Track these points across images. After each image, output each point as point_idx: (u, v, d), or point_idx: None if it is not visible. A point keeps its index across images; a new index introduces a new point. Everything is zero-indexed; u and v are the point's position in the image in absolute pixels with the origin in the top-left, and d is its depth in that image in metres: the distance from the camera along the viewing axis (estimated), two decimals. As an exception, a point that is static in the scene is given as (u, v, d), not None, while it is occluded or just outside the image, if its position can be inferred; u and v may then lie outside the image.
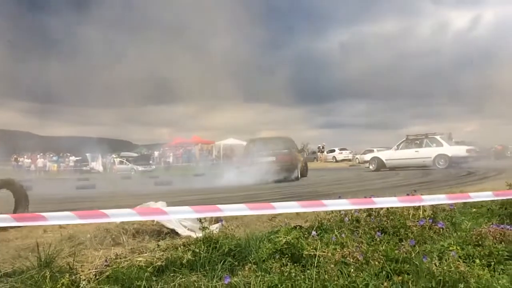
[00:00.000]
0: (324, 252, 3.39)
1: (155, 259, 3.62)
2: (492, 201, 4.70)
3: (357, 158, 36.36)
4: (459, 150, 20.99)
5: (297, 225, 4.52)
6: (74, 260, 3.64)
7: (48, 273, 3.21)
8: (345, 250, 3.35)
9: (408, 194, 4.51)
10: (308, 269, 3.16)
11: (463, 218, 4.68)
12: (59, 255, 3.88)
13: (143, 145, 58.37)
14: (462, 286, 2.76)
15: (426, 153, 20.94)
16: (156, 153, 46.37)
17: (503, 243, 3.47)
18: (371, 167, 22.40)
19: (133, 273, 3.22)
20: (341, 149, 48.15)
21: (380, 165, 22.13)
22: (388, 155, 22.35)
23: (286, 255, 3.41)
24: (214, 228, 4.26)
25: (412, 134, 22.90)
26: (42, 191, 16.02)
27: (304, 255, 3.41)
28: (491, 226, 3.75)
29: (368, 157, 23.96)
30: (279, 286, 2.93)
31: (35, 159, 39.24)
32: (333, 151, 47.70)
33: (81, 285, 3.09)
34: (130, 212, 3.41)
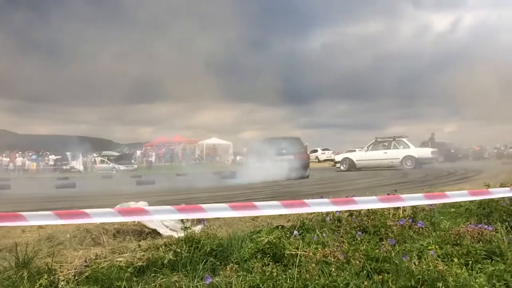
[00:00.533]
0: (305, 251, 3.41)
1: (135, 259, 3.59)
2: (471, 201, 4.79)
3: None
4: (425, 152, 22.68)
5: (279, 225, 4.53)
6: (52, 260, 3.58)
7: (26, 273, 3.16)
8: (326, 250, 3.37)
9: (388, 194, 4.56)
10: (289, 268, 3.17)
11: (442, 217, 4.76)
12: (38, 255, 3.81)
13: (125, 144, 57.76)
14: (441, 284, 2.80)
15: (394, 155, 22.25)
16: (138, 152, 45.98)
17: (480, 242, 3.53)
18: (342, 167, 23.34)
19: (113, 274, 3.19)
20: (323, 149, 48.47)
21: (351, 166, 23.13)
22: (358, 156, 23.43)
23: (268, 255, 3.42)
24: (197, 228, 4.24)
25: (381, 137, 24.08)
26: (21, 190, 15.75)
27: (286, 255, 3.42)
28: (469, 225, 3.81)
29: (339, 157, 24.86)
30: (261, 286, 2.94)
31: (13, 158, 38.51)
32: (315, 151, 47.96)
33: (60, 286, 3.04)
34: (112, 212, 3.37)
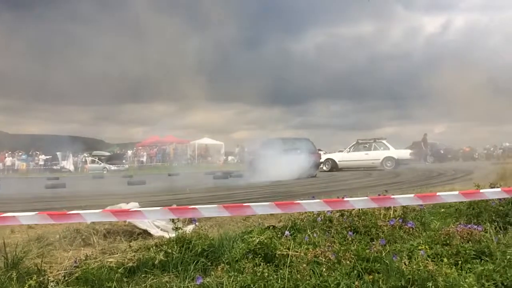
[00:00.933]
0: (296, 252, 3.41)
1: (126, 260, 3.57)
2: (460, 201, 4.83)
3: None
4: (404, 153, 23.96)
5: (270, 225, 4.53)
6: (42, 261, 3.55)
7: (15, 274, 3.12)
8: (317, 250, 3.38)
9: (379, 195, 4.58)
10: (281, 269, 3.17)
11: (432, 218, 4.80)
12: (27, 256, 3.78)
13: (116, 144, 57.43)
14: (431, 284, 2.83)
15: (375, 156, 23.31)
16: (129, 152, 45.72)
17: (470, 242, 3.56)
18: (324, 168, 23.96)
19: (104, 274, 3.17)
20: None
21: (333, 166, 23.96)
22: (340, 157, 24.27)
23: (259, 255, 3.42)
24: (188, 229, 4.23)
25: (361, 139, 25.13)
26: (10, 191, 15.60)
27: (277, 255, 3.42)
28: (459, 225, 3.85)
29: (322, 158, 24.97)
30: (252, 286, 2.94)
31: (3, 158, 38.11)
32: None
33: (49, 287, 3.02)
34: (105, 214, 3.34)
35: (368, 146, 24.05)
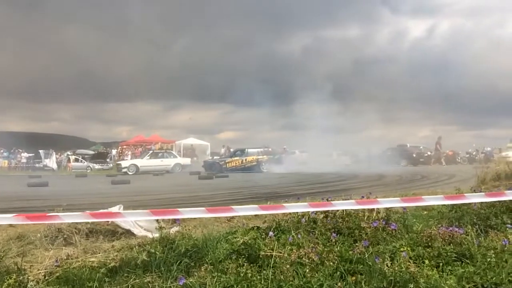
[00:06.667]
0: (280, 252, 3.42)
1: (108, 259, 3.54)
2: (443, 204, 4.89)
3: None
4: (186, 160, 31.89)
5: (255, 226, 4.53)
6: (22, 260, 3.49)
7: (-7, 273, 3.07)
8: (301, 251, 3.38)
9: (363, 197, 4.62)
10: (264, 269, 3.18)
11: (414, 220, 4.84)
12: (7, 254, 3.72)
13: (100, 143, 56.86)
14: (412, 286, 2.86)
15: (167, 162, 29.68)
16: (113, 151, 45.21)
17: (451, 244, 3.61)
18: (129, 172, 27.85)
19: (85, 274, 3.13)
20: (301, 152, 48.67)
21: (137, 170, 28.37)
22: (141, 163, 29.20)
23: (243, 256, 3.42)
24: (172, 230, 4.20)
25: (157, 150, 33.88)
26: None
27: (261, 256, 3.42)
28: (441, 228, 3.89)
29: (126, 163, 29.60)
30: (235, 286, 2.93)
31: (-17, 155, 37.46)
32: (293, 153, 48.14)
33: (29, 286, 2.97)
34: (84, 215, 3.31)
35: (161, 155, 30.83)
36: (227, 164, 28.60)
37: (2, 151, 39.15)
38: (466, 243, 3.63)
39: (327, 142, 33.35)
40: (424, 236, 3.76)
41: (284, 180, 18.52)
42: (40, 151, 37.17)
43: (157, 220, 4.08)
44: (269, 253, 3.41)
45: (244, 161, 29.13)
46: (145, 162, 29.18)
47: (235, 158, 29.48)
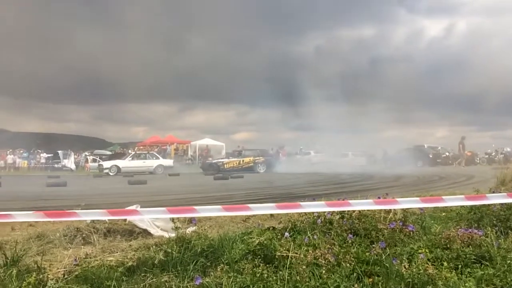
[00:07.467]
0: (296, 253, 3.41)
1: (126, 259, 3.57)
2: (462, 205, 4.82)
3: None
4: (168, 162, 31.81)
5: (270, 227, 4.53)
6: (42, 259, 3.55)
7: (14, 271, 3.12)
8: (317, 252, 3.37)
9: (379, 197, 4.58)
10: (280, 270, 3.17)
11: (432, 221, 4.78)
12: (27, 253, 3.79)
13: (117, 143, 57.44)
14: (430, 288, 2.82)
15: (149, 163, 29.88)
16: (130, 152, 45.65)
17: (470, 246, 3.55)
18: (110, 173, 28.23)
19: (103, 273, 3.17)
20: (316, 152, 48.47)
21: (118, 171, 28.55)
22: (124, 164, 29.39)
23: (259, 256, 3.41)
24: (189, 230, 4.23)
25: (139, 151, 34.37)
26: (11, 188, 15.62)
27: (276, 256, 3.42)
28: (460, 230, 3.83)
29: (108, 164, 29.70)
30: (251, 287, 2.94)
31: (4, 156, 38.12)
32: (309, 154, 48.01)
33: (49, 284, 3.02)
34: (101, 212, 3.35)
35: (143, 156, 31.10)
36: (225, 165, 29.55)
37: (22, 151, 39.83)
38: (485, 245, 3.57)
39: (343, 143, 33.19)
40: (443, 238, 3.70)
41: (299, 181, 18.47)
42: (59, 151, 37.69)
43: (173, 220, 4.10)
44: (285, 254, 3.40)
45: (241, 162, 30.03)
46: (127, 163, 29.34)
47: (233, 159, 30.57)
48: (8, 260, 3.45)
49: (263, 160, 30.30)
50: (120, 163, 29.70)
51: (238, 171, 27.57)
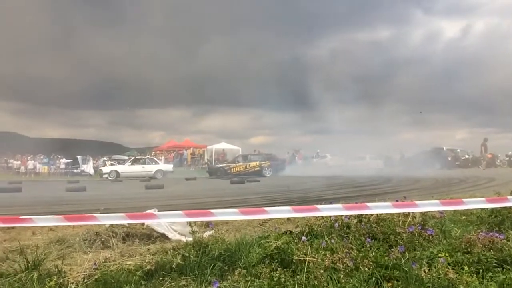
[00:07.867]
0: (314, 257, 3.39)
1: (144, 262, 3.61)
2: (482, 209, 4.73)
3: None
4: (168, 167, 31.78)
5: (287, 230, 4.51)
6: (62, 263, 3.61)
7: (35, 275, 3.18)
8: (335, 256, 3.35)
9: (397, 200, 4.53)
10: (298, 274, 3.16)
11: (452, 225, 4.70)
12: (48, 257, 3.85)
13: (135, 148, 58.04)
14: (451, 292, 2.78)
15: (149, 168, 29.73)
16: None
17: (491, 250, 3.49)
18: (109, 177, 28.25)
19: (122, 277, 3.20)
20: (333, 155, 48.21)
21: (117, 176, 28.77)
22: (122, 169, 29.76)
23: (276, 260, 3.40)
24: (206, 234, 4.24)
25: (138, 156, 34.06)
26: (32, 193, 15.89)
27: (294, 260, 3.40)
28: (480, 233, 3.76)
29: (107, 169, 29.78)
30: (269, 291, 2.93)
31: (25, 161, 38.85)
32: (325, 157, 47.80)
33: (69, 288, 3.07)
34: (119, 216, 3.39)
35: (143, 161, 31.07)
36: (232, 170, 29.72)
37: (42, 157, 40.55)
38: (507, 249, 3.50)
39: (359, 146, 32.94)
40: (463, 242, 3.64)
41: (315, 184, 18.37)
42: (78, 157, 38.25)
43: (190, 224, 4.13)
44: (302, 258, 3.39)
45: (247, 167, 30.22)
46: (126, 168, 29.59)
47: (239, 164, 30.70)
48: (29, 264, 3.51)
49: (269, 164, 30.66)
50: (119, 168, 30.16)
51: (244, 176, 27.82)
